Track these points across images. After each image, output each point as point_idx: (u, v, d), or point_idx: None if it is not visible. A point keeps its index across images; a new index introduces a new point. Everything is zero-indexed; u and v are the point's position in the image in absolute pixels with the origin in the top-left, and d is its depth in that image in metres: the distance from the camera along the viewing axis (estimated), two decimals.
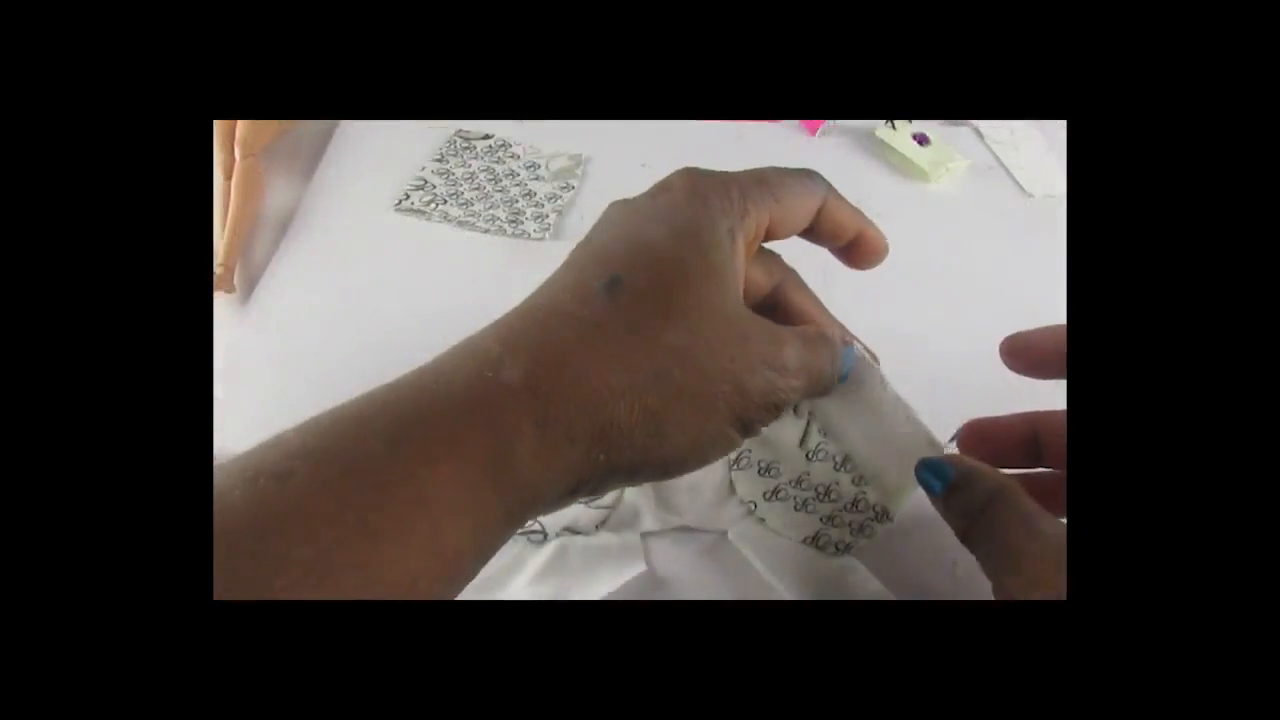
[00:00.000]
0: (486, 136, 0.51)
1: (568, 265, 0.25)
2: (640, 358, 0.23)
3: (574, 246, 0.26)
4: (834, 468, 0.32)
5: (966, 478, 0.27)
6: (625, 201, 0.27)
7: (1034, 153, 0.54)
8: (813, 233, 0.29)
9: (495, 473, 0.20)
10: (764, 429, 0.26)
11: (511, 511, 0.21)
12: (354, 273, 0.42)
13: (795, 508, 0.33)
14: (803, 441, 0.32)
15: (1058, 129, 0.56)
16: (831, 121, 0.54)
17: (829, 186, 0.29)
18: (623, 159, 0.50)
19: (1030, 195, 0.51)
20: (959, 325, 0.42)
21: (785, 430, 0.32)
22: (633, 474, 0.23)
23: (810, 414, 0.32)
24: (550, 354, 0.22)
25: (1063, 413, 0.29)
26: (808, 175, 0.29)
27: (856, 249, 0.30)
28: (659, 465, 0.23)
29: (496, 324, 0.23)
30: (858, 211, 0.30)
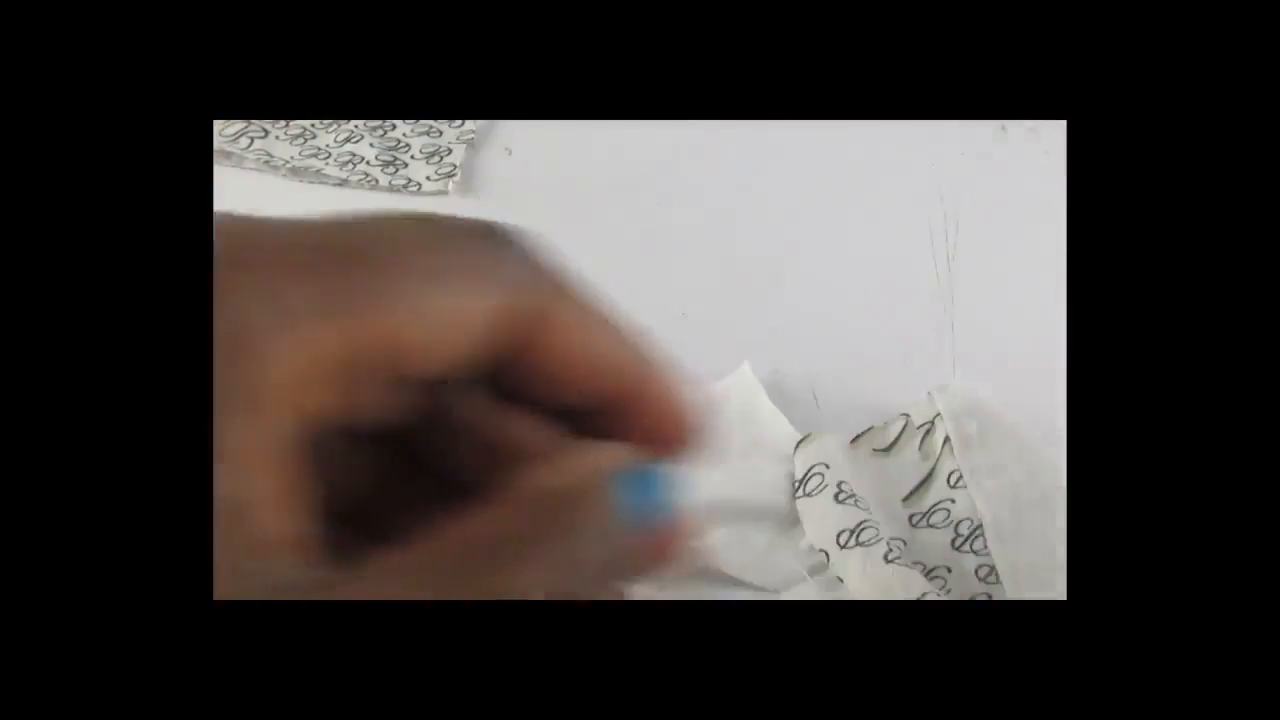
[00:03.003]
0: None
1: None
2: None
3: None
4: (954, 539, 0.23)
5: None
6: None
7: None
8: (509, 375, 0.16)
9: None
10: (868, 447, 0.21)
11: None
12: None
13: (886, 558, 0.23)
14: (914, 494, 0.24)
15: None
16: None
17: (533, 267, 0.15)
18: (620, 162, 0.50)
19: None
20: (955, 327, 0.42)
21: (889, 465, 0.24)
22: None
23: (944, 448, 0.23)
24: None
25: None
26: (489, 243, 0.15)
27: (620, 415, 0.16)
28: None
29: None
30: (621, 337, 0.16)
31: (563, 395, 0.16)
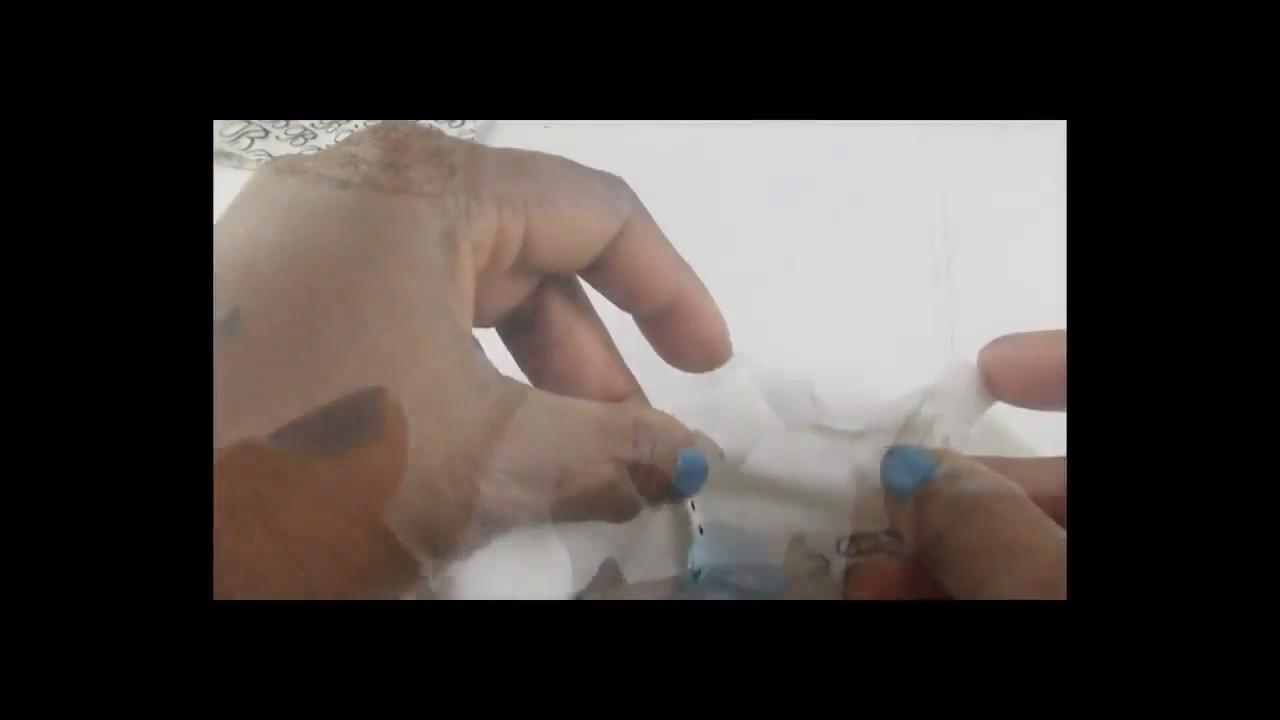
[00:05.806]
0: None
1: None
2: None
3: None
4: None
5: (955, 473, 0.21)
6: (290, 165, 0.18)
7: None
8: (602, 275, 0.21)
9: None
10: None
11: None
12: None
13: None
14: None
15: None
16: None
17: (638, 209, 0.21)
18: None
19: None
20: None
21: None
22: None
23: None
24: None
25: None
26: (606, 183, 0.21)
27: (670, 321, 0.21)
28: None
29: None
30: (682, 263, 0.21)
31: (636, 299, 0.22)
